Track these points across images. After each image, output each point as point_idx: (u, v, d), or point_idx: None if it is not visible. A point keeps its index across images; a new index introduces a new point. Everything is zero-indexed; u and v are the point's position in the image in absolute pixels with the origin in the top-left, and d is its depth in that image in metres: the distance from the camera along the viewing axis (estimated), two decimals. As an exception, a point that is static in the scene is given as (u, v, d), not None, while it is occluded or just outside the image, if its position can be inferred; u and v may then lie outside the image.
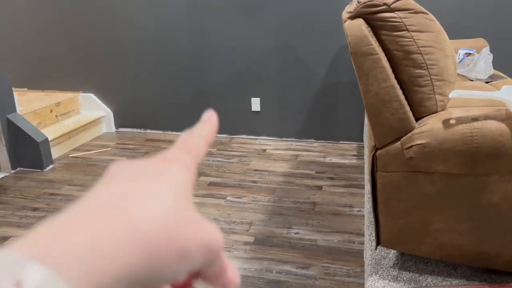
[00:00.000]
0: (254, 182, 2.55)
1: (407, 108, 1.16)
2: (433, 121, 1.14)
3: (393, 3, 1.15)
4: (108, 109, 3.51)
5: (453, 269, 1.26)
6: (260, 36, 3.06)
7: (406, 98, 1.21)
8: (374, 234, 1.48)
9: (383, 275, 1.25)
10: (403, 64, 1.18)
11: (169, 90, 3.36)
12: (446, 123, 1.11)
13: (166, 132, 3.48)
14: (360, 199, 2.32)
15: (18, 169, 2.81)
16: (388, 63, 1.16)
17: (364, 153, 2.60)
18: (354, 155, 2.94)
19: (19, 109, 2.88)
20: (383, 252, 1.36)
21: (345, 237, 1.96)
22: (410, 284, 1.20)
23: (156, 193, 0.20)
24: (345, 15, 1.24)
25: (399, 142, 1.15)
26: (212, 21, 3.12)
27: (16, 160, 2.79)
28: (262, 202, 2.30)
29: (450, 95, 1.11)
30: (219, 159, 2.91)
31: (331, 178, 2.58)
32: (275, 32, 3.03)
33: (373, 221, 1.27)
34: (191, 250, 0.20)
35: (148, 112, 3.46)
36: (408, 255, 1.33)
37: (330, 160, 2.87)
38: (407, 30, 1.16)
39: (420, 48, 1.16)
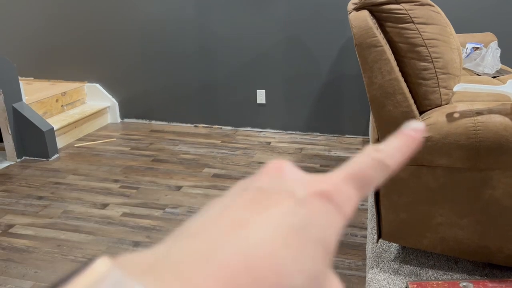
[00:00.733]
0: (258, 174, 2.54)
1: (411, 101, 1.15)
2: (437, 114, 1.13)
3: (399, -6, 1.14)
4: (114, 100, 3.52)
5: (454, 263, 1.26)
6: (267, 28, 3.05)
7: (410, 91, 1.20)
8: (375, 228, 1.48)
9: (384, 268, 1.25)
10: (408, 56, 1.17)
11: (175, 81, 3.36)
12: (450, 116, 1.10)
13: (171, 124, 3.48)
14: (363, 192, 2.31)
15: (23, 158, 2.83)
16: (392, 55, 1.15)
17: (369, 147, 2.59)
18: (359, 149, 2.93)
19: (25, 98, 2.90)
20: (384, 246, 1.36)
21: (347, 230, 1.95)
22: (411, 278, 1.20)
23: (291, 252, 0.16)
24: (350, 6, 1.23)
25: (402, 135, 1.15)
26: (218, 12, 3.11)
27: (21, 149, 2.81)
28: (265, 194, 2.30)
29: (455, 89, 1.10)
30: (223, 151, 2.92)
31: (334, 172, 2.57)
32: (282, 24, 3.01)
33: (375, 214, 1.27)
34: None
35: (153, 103, 3.46)
36: (410, 249, 1.33)
37: (335, 153, 2.86)
38: (412, 22, 1.14)
39: (425, 41, 1.15)
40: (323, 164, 2.69)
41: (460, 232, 1.16)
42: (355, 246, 1.85)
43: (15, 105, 2.72)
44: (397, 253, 1.32)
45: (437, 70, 1.16)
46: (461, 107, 1.13)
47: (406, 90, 1.14)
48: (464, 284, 1.12)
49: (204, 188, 2.38)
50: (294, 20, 2.98)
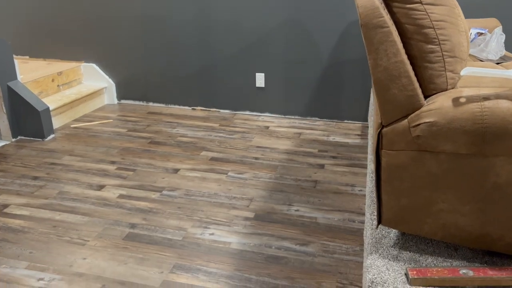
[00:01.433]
0: (256, 158, 2.52)
1: (416, 84, 1.12)
2: (443, 99, 1.10)
3: (407, -26, 1.10)
4: (111, 81, 3.47)
5: (454, 251, 1.25)
6: (267, 10, 2.99)
7: (416, 75, 1.17)
8: (375, 213, 1.47)
9: (383, 254, 1.23)
10: (415, 38, 1.13)
11: (173, 63, 3.31)
12: (456, 101, 1.07)
13: (169, 106, 3.44)
14: (362, 178, 2.30)
15: (19, 137, 2.79)
16: (399, 37, 1.12)
17: (368, 132, 2.57)
18: (358, 135, 2.91)
19: (20, 77, 2.84)
20: (383, 232, 1.34)
21: (345, 215, 1.94)
22: (410, 264, 1.19)
23: None
24: (356, -15, 1.19)
25: (406, 120, 1.12)
26: (218, -7, 3.04)
27: (17, 128, 2.77)
28: (264, 178, 2.28)
29: (462, 72, 1.07)
30: (221, 134, 2.89)
31: (333, 157, 2.55)
32: (282, 7, 2.95)
33: (375, 200, 1.25)
34: None
35: (151, 85, 3.42)
36: (409, 235, 1.32)
37: (334, 139, 2.84)
38: (420, 2, 1.11)
39: (433, 22, 1.11)
40: (321, 149, 2.66)
41: (461, 219, 1.14)
42: (353, 231, 1.84)
43: (10, 84, 2.67)
44: (396, 239, 1.30)
45: (444, 53, 1.13)
46: (467, 91, 1.11)
47: (412, 73, 1.11)
48: (464, 271, 1.11)
49: (201, 171, 2.36)
50: (295, 2, 2.92)
